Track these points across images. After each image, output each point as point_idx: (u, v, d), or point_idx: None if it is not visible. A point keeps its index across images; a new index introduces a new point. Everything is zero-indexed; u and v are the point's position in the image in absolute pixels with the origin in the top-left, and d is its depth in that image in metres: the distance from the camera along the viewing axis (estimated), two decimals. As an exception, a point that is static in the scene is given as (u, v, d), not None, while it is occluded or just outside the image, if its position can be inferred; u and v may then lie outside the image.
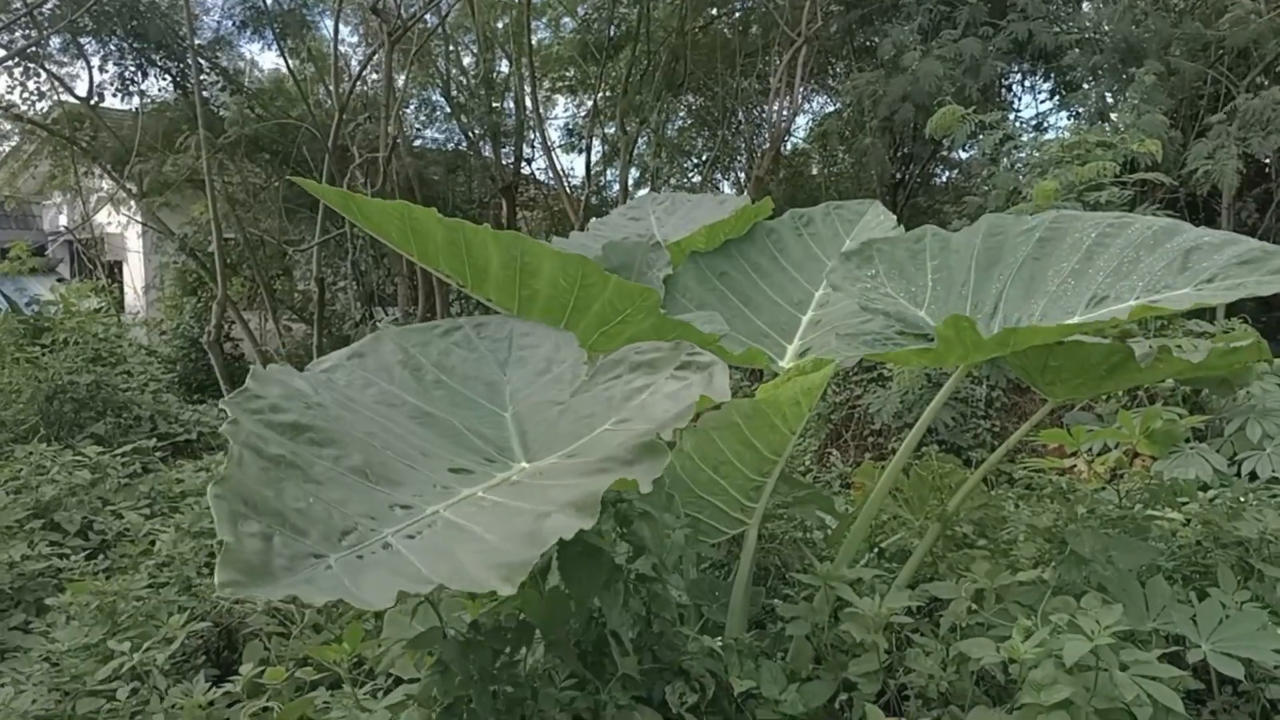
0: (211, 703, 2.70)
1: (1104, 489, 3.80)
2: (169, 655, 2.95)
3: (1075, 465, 5.15)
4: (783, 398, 2.39)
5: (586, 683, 2.11)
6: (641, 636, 2.26)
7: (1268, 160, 10.06)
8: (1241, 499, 3.16)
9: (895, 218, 3.51)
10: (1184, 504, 3.26)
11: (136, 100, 13.69)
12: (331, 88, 12.44)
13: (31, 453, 5.19)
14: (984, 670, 2.32)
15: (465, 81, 15.22)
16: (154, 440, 6.16)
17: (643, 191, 16.04)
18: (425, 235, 2.66)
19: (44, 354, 6.90)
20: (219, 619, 3.58)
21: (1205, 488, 5.06)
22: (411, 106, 15.36)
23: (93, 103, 13.32)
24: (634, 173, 15.63)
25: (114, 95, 13.56)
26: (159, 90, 14.05)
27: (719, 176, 17.75)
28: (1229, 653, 2.21)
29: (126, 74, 13.40)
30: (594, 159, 15.72)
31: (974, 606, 2.43)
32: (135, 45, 13.15)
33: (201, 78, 12.80)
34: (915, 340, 2.56)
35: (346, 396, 2.18)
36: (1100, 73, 10.55)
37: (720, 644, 2.38)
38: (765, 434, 2.52)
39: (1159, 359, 2.43)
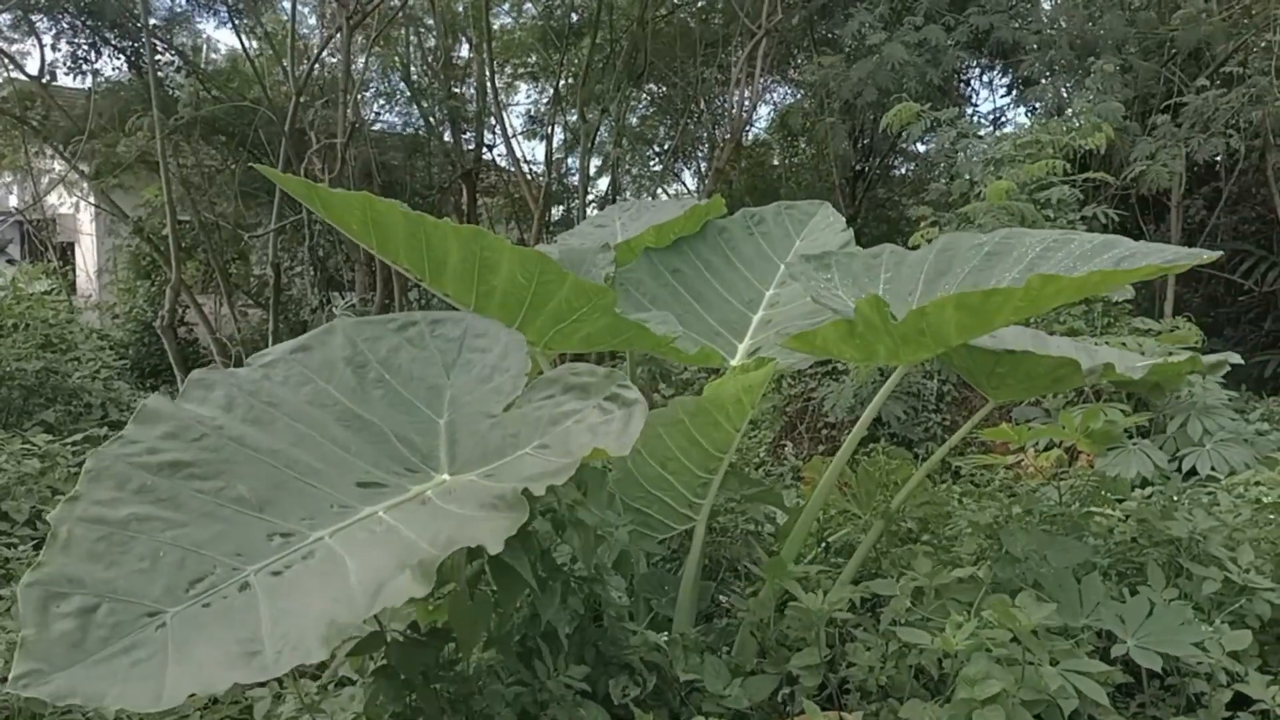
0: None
1: (1047, 483, 3.89)
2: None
3: (1022, 460, 5.27)
4: (726, 396, 2.44)
5: (529, 680, 2.14)
6: (582, 633, 2.30)
7: (1218, 158, 10.29)
8: (1175, 498, 3.26)
9: (844, 220, 3.56)
10: (1120, 502, 3.35)
11: (90, 79, 13.45)
12: (289, 68, 12.27)
13: (-21, 441, 5.12)
14: (921, 665, 2.39)
15: (426, 65, 15.11)
16: (105, 429, 6.09)
17: (604, 180, 16.05)
18: (386, 227, 2.66)
19: (-8, 339, 6.80)
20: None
21: (1146, 484, 5.20)
22: (371, 90, 15.23)
23: (44, 81, 13.05)
24: (596, 161, 15.62)
25: (66, 74, 13.31)
26: (113, 70, 13.82)
27: (681, 165, 17.80)
28: (1152, 648, 2.30)
29: (79, 52, 13.13)
30: (556, 146, 15.67)
31: (911, 605, 2.50)
32: (89, 23, 12.89)
33: (156, 57, 12.60)
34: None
35: (270, 402, 2.19)
36: (1056, 68, 10.71)
37: (665, 638, 2.43)
38: (710, 431, 2.57)
39: (1103, 373, 2.51)
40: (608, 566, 2.33)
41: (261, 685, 2.43)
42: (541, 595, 2.11)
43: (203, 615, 1.59)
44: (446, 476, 2.09)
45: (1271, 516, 3.09)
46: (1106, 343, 5.52)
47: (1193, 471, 5.50)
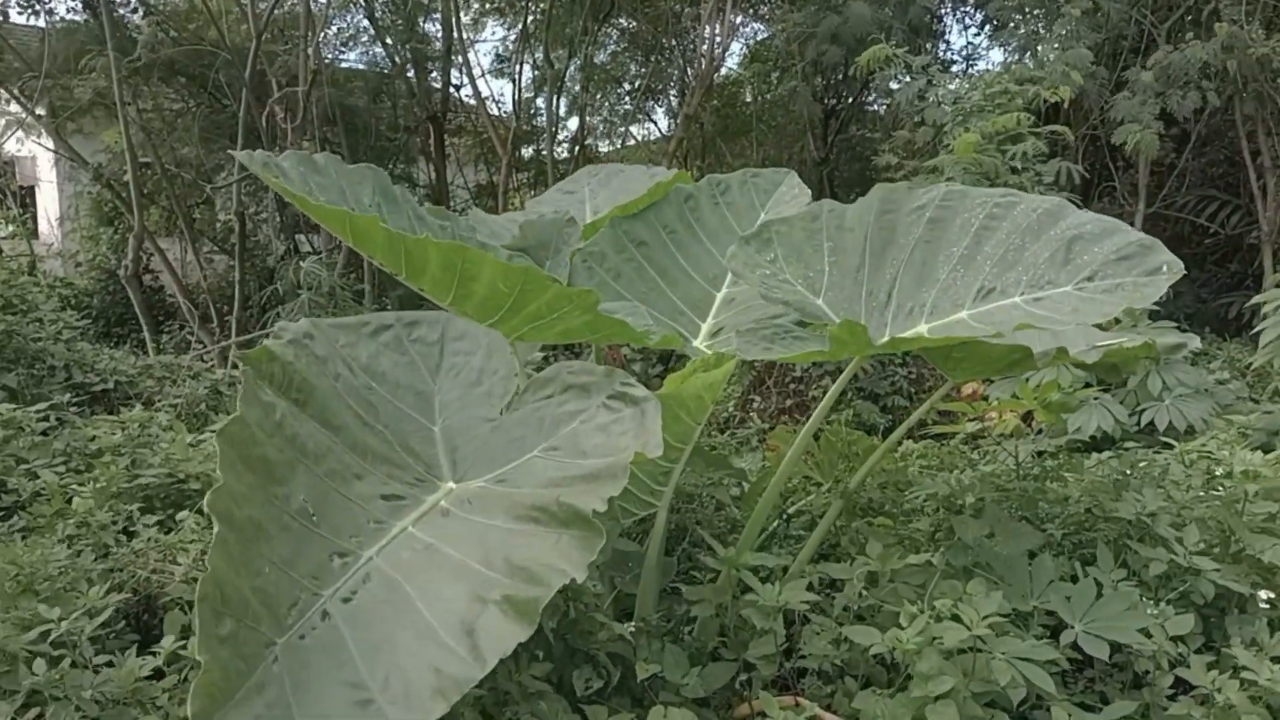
0: (147, 677, 2.71)
1: (1011, 442, 3.94)
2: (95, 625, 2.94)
3: (988, 416, 5.34)
4: (686, 394, 2.45)
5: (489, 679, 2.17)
6: (555, 625, 2.34)
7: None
8: (1128, 471, 3.32)
9: (809, 191, 3.54)
10: (1073, 479, 3.41)
11: (44, 18, 13.06)
12: (248, 6, 11.94)
13: (-60, 409, 5.06)
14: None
15: (389, 2, 14.75)
16: (69, 394, 6.04)
17: (573, 120, 15.84)
18: (365, 237, 2.59)
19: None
20: (138, 587, 3.59)
21: (1106, 436, 5.29)
22: (334, 29, 14.87)
23: (-4, 21, 12.69)
24: (565, 101, 15.40)
25: (19, 14, 12.94)
26: (68, 9, 13.42)
27: (652, 104, 17.58)
28: (1099, 634, 2.37)
29: (33, -10, 12.76)
30: (524, 85, 15.43)
31: (863, 591, 2.55)
32: (40, -41, 12.51)
33: (111, -4, 12.22)
34: (812, 336, 2.62)
35: (305, 385, 2.11)
36: (1028, 8, 10.62)
37: (631, 628, 2.47)
38: (671, 425, 2.58)
39: (1055, 357, 2.53)
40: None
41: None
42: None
43: (303, 650, 1.53)
44: (452, 484, 2.06)
45: (1220, 489, 3.16)
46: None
47: (1152, 425, 5.62)
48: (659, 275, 3.42)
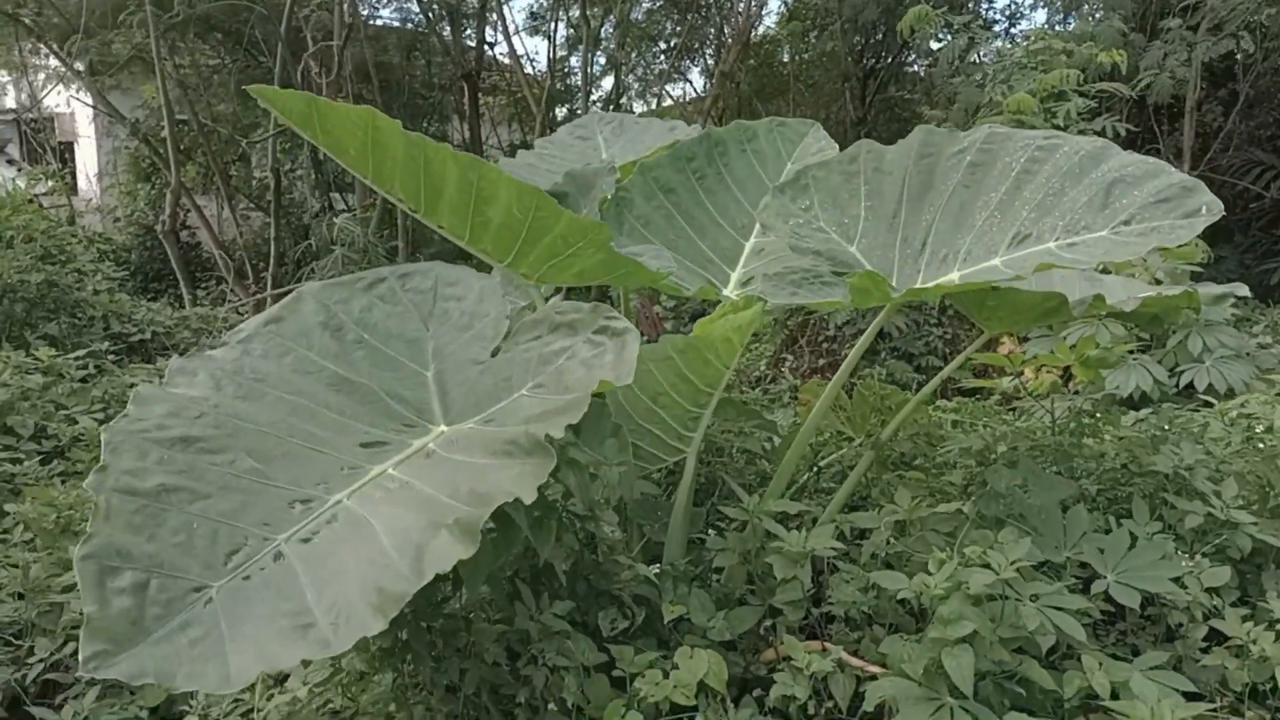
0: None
1: (1047, 400, 3.89)
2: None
3: (1024, 373, 5.27)
4: (715, 335, 2.43)
5: (515, 615, 2.19)
6: (576, 567, 2.34)
7: (1237, 58, 10.02)
8: (1166, 427, 3.27)
9: (835, 144, 3.48)
10: (1112, 429, 3.36)
11: (82, -26, 13.10)
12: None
13: (-17, 355, 5.15)
14: (903, 597, 2.43)
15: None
16: (107, 343, 6.13)
17: (608, 79, 15.71)
18: (385, 148, 2.56)
19: (-9, 250, 6.78)
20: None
21: (1145, 397, 5.21)
22: (369, -16, 14.81)
23: (35, -23, 12.74)
24: (600, 59, 15.29)
25: (58, -31, 12.97)
26: (105, -36, 13.43)
27: (688, 63, 17.40)
28: (1131, 584, 2.33)
29: (70, -54, 12.79)
30: (559, 44, 15.33)
31: (891, 539, 2.53)
32: (78, -85, 12.51)
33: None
34: (842, 283, 2.58)
35: (257, 376, 2.20)
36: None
37: (655, 571, 2.47)
38: (700, 368, 2.57)
39: (1092, 305, 2.48)
40: (601, 503, 2.36)
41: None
42: (539, 534, 2.14)
43: (246, 589, 1.60)
44: (444, 427, 2.09)
45: (1260, 445, 3.10)
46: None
47: (1191, 386, 5.52)
48: (687, 223, 3.39)
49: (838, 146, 3.41)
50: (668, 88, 17.16)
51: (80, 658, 1.44)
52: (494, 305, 2.31)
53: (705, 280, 3.03)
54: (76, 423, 4.62)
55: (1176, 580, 2.35)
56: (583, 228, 2.50)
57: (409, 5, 15.06)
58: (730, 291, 3.05)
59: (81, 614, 1.51)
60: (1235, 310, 5.93)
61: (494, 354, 2.21)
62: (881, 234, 2.80)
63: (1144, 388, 5.34)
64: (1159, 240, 2.24)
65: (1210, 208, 2.25)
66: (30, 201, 8.13)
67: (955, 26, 8.27)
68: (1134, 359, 5.36)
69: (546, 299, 3.15)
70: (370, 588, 1.56)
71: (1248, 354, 5.75)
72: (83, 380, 5.30)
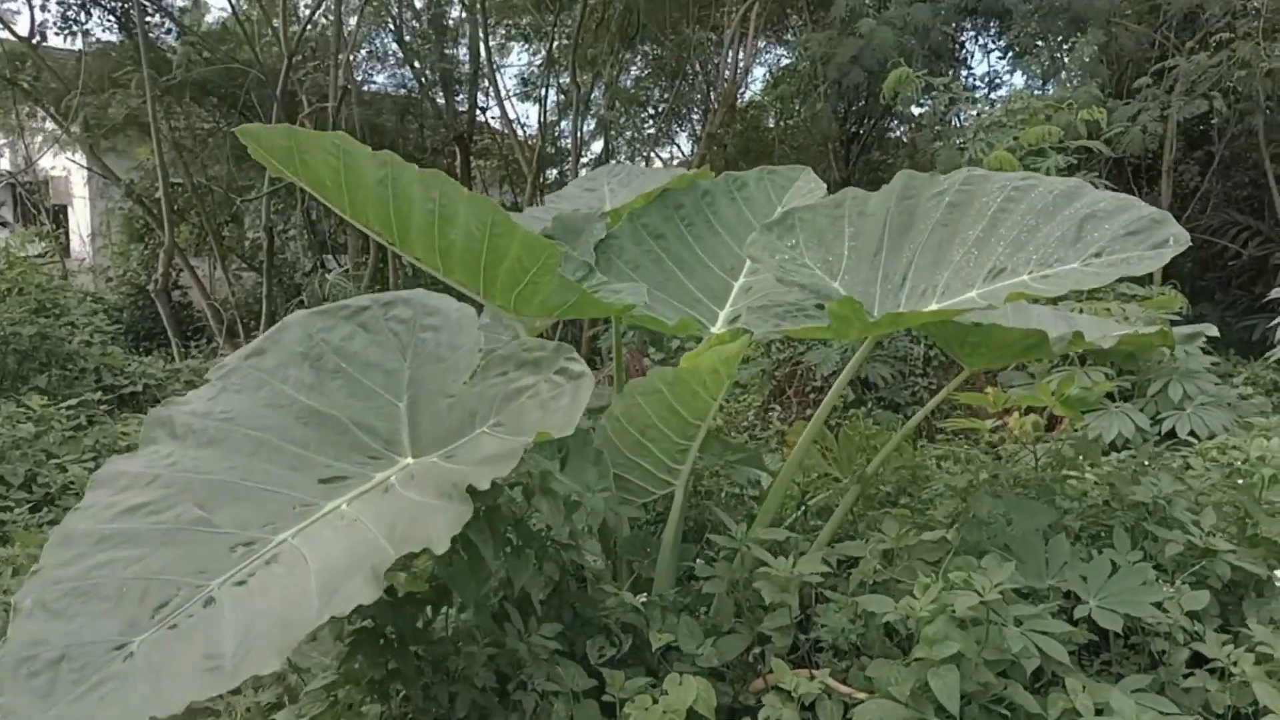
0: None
1: (1032, 443, 3.95)
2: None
3: (1006, 423, 5.33)
4: (703, 367, 2.48)
5: (504, 641, 2.21)
6: (559, 596, 2.36)
7: (1213, 121, 10.27)
8: (1146, 463, 3.32)
9: (825, 186, 3.58)
10: (1094, 466, 3.41)
11: (80, 40, 13.36)
12: (280, 29, 12.17)
13: (-26, 405, 5.18)
14: (891, 625, 2.46)
15: (418, 25, 14.98)
16: (99, 393, 6.15)
17: (598, 143, 15.97)
18: (357, 173, 2.58)
19: (-15, 304, 6.82)
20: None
21: (1127, 445, 5.26)
22: (363, 51, 15.11)
23: (34, 42, 12.96)
24: (590, 123, 15.54)
25: (57, 34, 13.24)
26: (103, 30, 13.71)
27: (675, 128, 17.71)
28: (1113, 608, 2.37)
29: (69, 13, 13.04)
30: (549, 108, 15.59)
31: (879, 567, 2.56)
32: (78, -17, 12.79)
33: (147, 18, 12.50)
34: (823, 316, 2.64)
35: (227, 415, 2.23)
36: (1049, 34, 10.66)
37: (642, 600, 2.49)
38: (688, 401, 2.62)
39: (1071, 342, 2.55)
40: (583, 532, 2.39)
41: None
42: (516, 562, 2.16)
43: (170, 637, 1.62)
44: (410, 460, 2.11)
45: (1240, 481, 3.15)
46: (1091, 310, 5.58)
47: (1173, 433, 5.58)
48: (676, 266, 3.46)
49: (826, 190, 3.51)
50: (656, 150, 17.44)
51: None
52: (468, 337, 2.34)
53: (693, 318, 3.09)
54: (67, 470, 4.63)
55: (1158, 605, 2.39)
56: (536, 248, 2.50)
57: (403, 71, 15.37)
58: (718, 329, 3.11)
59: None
60: (1216, 363, 6.02)
61: (463, 388, 2.25)
62: (864, 271, 2.87)
63: (1126, 434, 5.40)
64: (1127, 270, 2.31)
65: (1177, 239, 2.33)
66: (23, 259, 8.20)
67: (936, 88, 8.47)
68: (1115, 407, 5.43)
69: (540, 335, 3.20)
70: (277, 625, 1.59)
71: (1229, 403, 5.83)
72: (74, 428, 5.32)
